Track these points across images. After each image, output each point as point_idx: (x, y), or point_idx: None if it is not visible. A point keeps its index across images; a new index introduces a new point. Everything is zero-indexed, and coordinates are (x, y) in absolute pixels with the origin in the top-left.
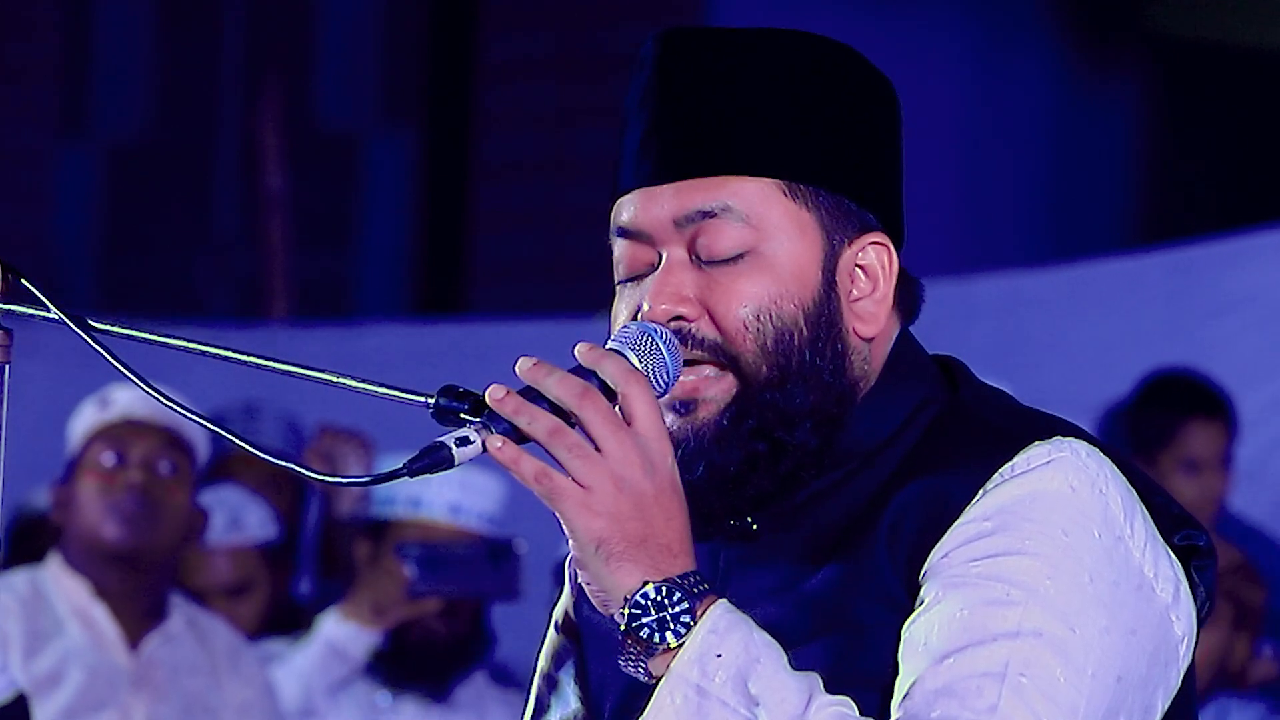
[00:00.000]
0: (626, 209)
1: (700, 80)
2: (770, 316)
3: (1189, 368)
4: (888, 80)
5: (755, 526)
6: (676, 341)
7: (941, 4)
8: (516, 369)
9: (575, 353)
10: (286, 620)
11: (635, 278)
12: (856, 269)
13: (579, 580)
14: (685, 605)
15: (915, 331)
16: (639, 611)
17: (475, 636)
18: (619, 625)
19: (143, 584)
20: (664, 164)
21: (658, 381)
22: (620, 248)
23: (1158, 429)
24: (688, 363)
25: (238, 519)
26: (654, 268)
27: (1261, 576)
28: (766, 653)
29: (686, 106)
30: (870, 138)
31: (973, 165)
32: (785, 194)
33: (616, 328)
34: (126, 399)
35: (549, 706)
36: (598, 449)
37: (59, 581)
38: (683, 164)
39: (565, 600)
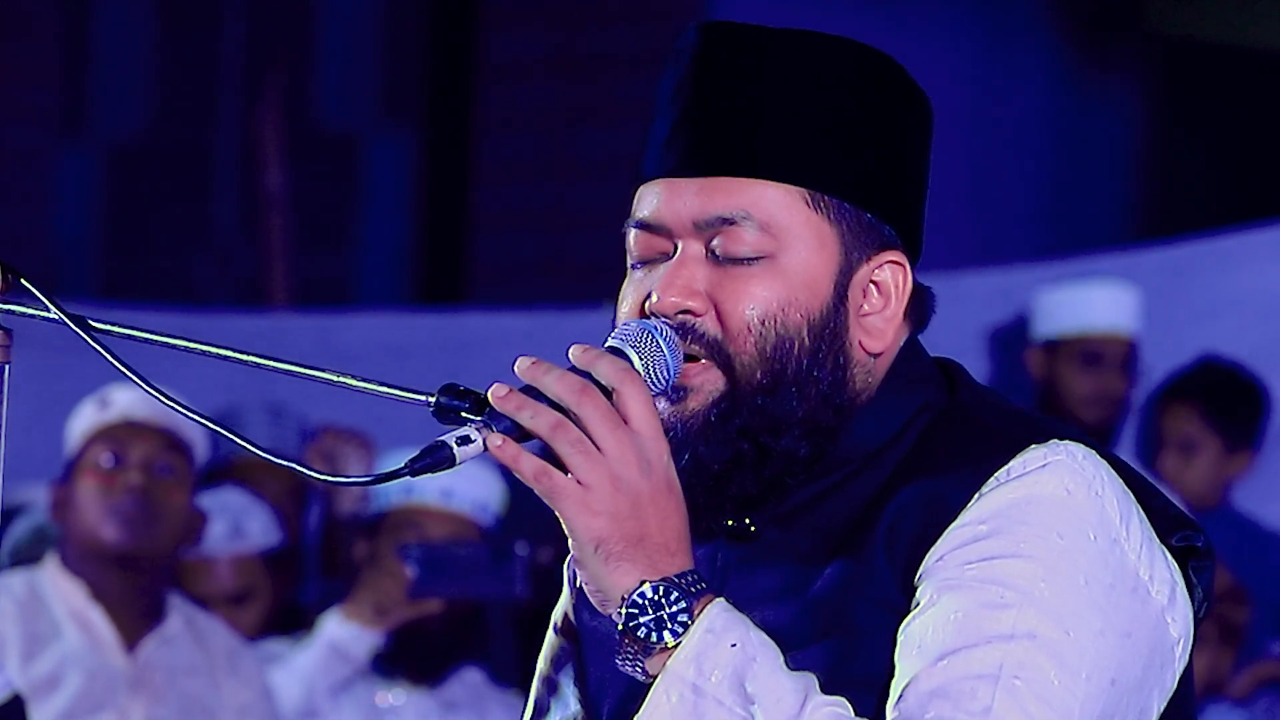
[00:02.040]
0: (648, 201)
1: (737, 78)
2: (775, 322)
3: None
4: (925, 95)
5: (754, 528)
6: (676, 339)
7: (942, 3)
8: (515, 369)
9: (569, 355)
10: (288, 621)
11: (648, 262)
12: (870, 284)
13: (578, 581)
14: (682, 604)
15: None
16: (636, 611)
17: (476, 637)
18: (617, 625)
19: (141, 586)
20: (690, 158)
21: (658, 378)
22: (635, 236)
23: None
24: (686, 357)
25: (240, 527)
26: (667, 256)
27: (1249, 594)
28: (763, 652)
29: (719, 103)
30: (901, 154)
31: (973, 163)
32: (808, 203)
33: (623, 310)
34: (126, 400)
35: (548, 708)
36: (596, 447)
37: (56, 584)
38: (709, 161)
39: (564, 602)
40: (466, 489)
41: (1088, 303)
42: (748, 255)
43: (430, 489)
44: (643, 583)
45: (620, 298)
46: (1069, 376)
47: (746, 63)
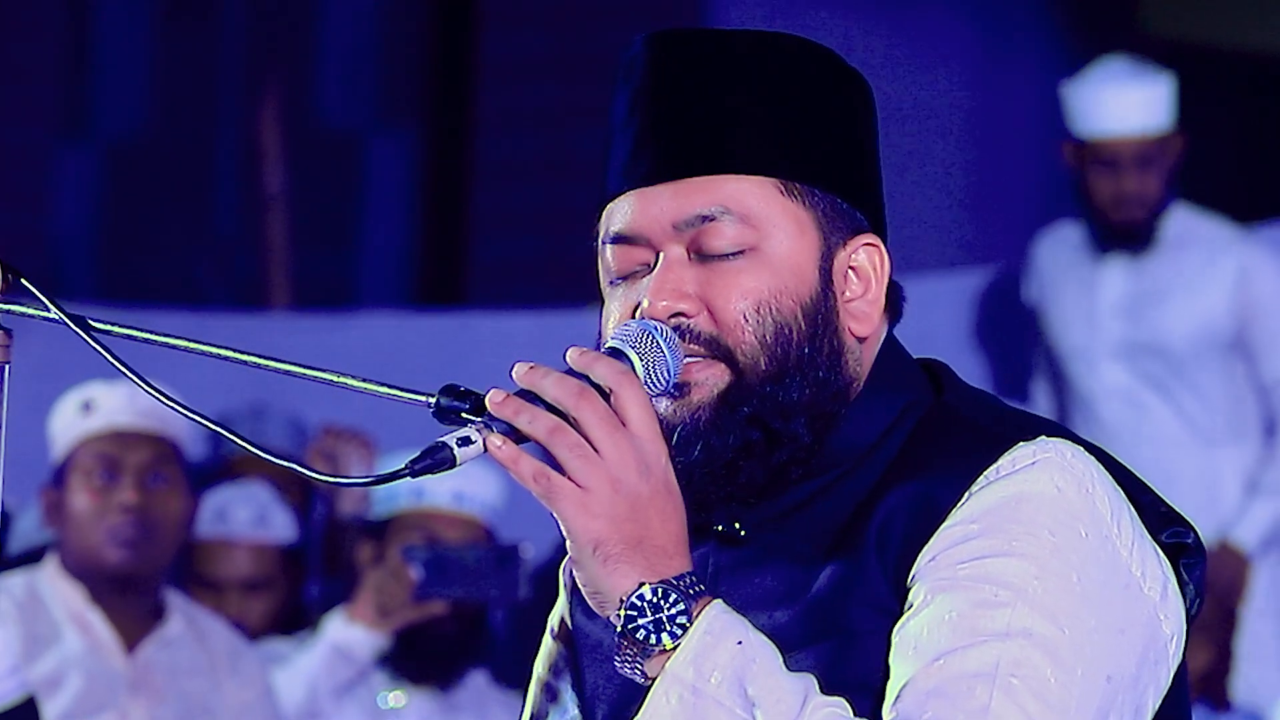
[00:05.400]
0: (621, 214)
1: (692, 81)
2: (770, 310)
3: None
4: (866, 82)
5: (743, 532)
6: (677, 338)
7: (941, 4)
8: (513, 375)
9: (566, 358)
10: (292, 621)
11: (629, 276)
12: (849, 269)
13: (575, 584)
14: (681, 607)
15: (915, 325)
16: (635, 613)
17: (478, 638)
18: (615, 627)
19: (140, 590)
20: (661, 165)
21: (659, 378)
22: (612, 251)
23: None
24: (686, 358)
25: (265, 517)
26: (649, 266)
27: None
28: (763, 653)
29: (681, 107)
30: (857, 139)
31: (973, 163)
32: (782, 192)
33: (609, 329)
34: (109, 404)
35: (546, 714)
36: (594, 450)
37: (55, 585)
38: (680, 164)
39: (561, 607)
40: (478, 492)
41: (1101, 107)
42: (731, 250)
43: (442, 492)
44: (641, 585)
45: (604, 316)
46: (1092, 179)
47: (698, 66)
